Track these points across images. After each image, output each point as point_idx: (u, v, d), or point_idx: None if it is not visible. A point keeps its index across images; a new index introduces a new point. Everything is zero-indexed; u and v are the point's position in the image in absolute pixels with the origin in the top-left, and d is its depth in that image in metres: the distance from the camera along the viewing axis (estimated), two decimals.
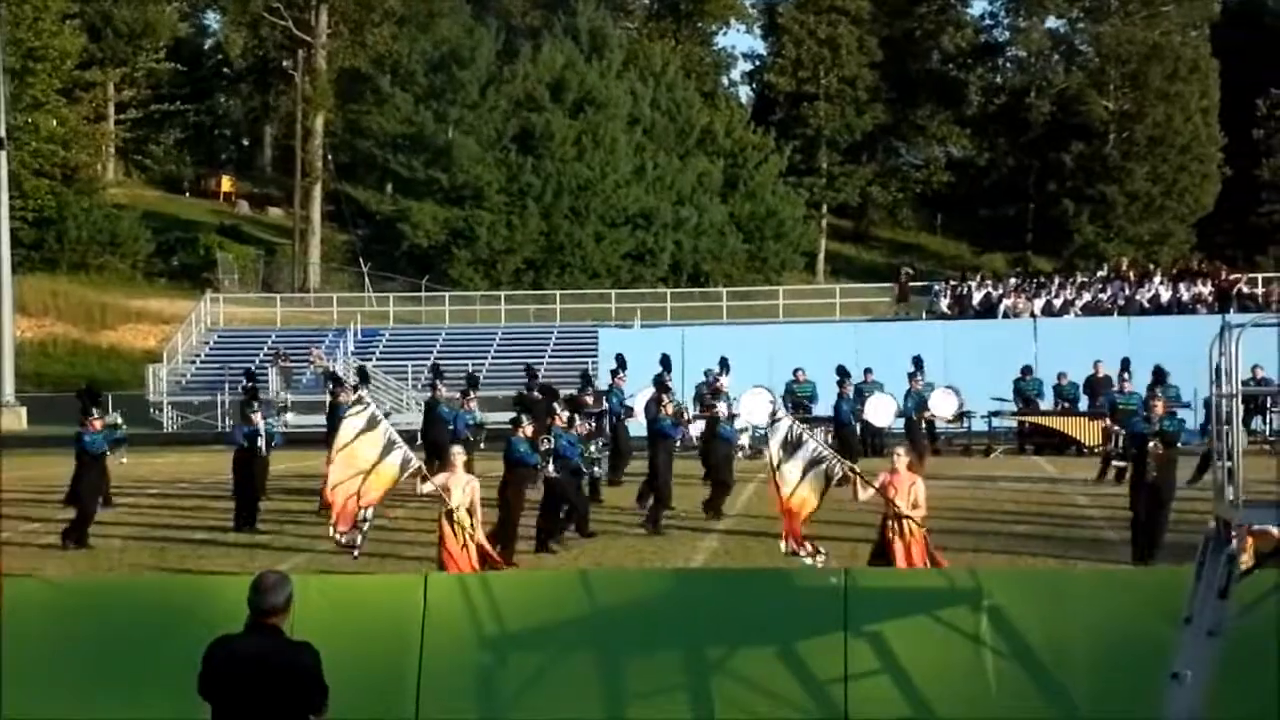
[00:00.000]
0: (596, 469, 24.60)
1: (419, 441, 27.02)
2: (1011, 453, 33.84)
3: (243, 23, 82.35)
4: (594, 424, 25.81)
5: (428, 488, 16.67)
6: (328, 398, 29.26)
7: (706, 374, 29.85)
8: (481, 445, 27.43)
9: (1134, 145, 75.57)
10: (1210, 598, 9.38)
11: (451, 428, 25.99)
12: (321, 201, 73.50)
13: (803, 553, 15.59)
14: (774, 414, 16.51)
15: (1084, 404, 33.87)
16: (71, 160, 69.01)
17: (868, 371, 32.81)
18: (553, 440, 20.16)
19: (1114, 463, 26.20)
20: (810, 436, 16.10)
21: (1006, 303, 46.43)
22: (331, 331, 53.47)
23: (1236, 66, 74.26)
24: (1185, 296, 45.68)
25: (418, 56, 72.79)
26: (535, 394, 26.33)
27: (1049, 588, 12.79)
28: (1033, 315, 44.13)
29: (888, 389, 31.77)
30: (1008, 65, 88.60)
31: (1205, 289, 46.00)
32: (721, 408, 25.40)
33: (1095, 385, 33.85)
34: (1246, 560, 12.45)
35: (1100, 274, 51.13)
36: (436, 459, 27.23)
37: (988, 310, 46.63)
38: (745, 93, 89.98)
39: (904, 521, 15.63)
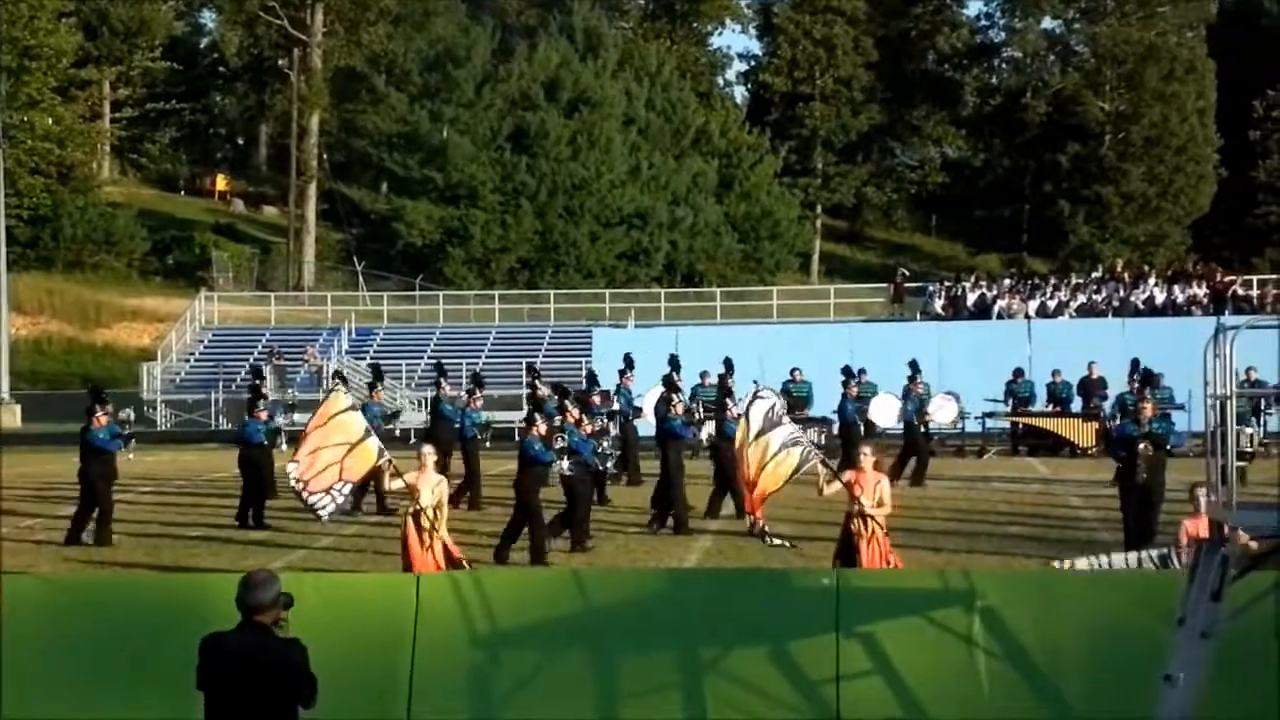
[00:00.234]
0: (610, 464, 24.81)
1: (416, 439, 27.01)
2: (1005, 454, 33.88)
3: (238, 21, 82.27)
4: (605, 422, 25.95)
5: (397, 484, 16.63)
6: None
7: (702, 375, 29.90)
8: (487, 444, 27.48)
9: (1130, 146, 75.57)
10: (1203, 599, 9.39)
11: (459, 426, 26.03)
12: (316, 200, 73.46)
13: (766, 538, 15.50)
14: (758, 393, 16.42)
15: (1078, 405, 33.91)
16: (67, 158, 68.90)
17: (861, 372, 32.75)
18: (567, 437, 20.21)
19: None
20: (788, 421, 16.12)
21: (1001, 304, 46.45)
22: (326, 330, 53.44)
23: (1233, 67, 74.25)
24: (1180, 298, 45.71)
25: (413, 55, 72.77)
26: (542, 392, 26.46)
27: (1042, 588, 12.80)
28: (1027, 316, 44.16)
29: (882, 390, 31.76)
30: (1003, 66, 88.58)
31: (1200, 291, 46.03)
32: (733, 409, 25.49)
33: (1089, 386, 33.88)
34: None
35: (1095, 275, 51.15)
36: (443, 457, 27.37)
37: (982, 311, 46.63)
38: (740, 93, 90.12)
39: (869, 520, 15.66)
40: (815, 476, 15.97)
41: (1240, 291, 47.33)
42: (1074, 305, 46.14)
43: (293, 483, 16.49)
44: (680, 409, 23.71)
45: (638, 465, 28.18)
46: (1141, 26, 77.40)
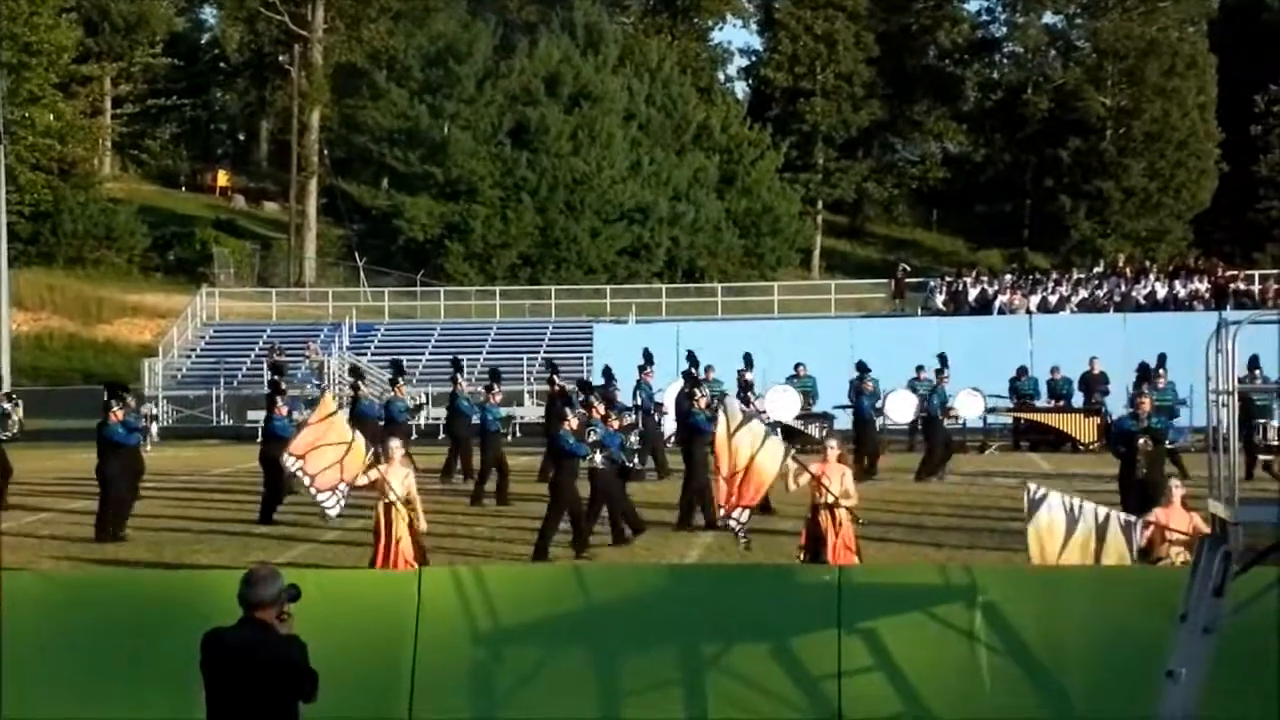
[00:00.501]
0: (636, 460, 24.97)
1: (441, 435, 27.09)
2: (1007, 449, 33.87)
3: (239, 17, 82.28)
4: (633, 417, 26.02)
5: (363, 480, 16.91)
6: (350, 391, 29.46)
7: (706, 370, 29.89)
8: (509, 438, 27.49)
9: (1131, 141, 75.53)
10: (1206, 595, 9.38)
11: (478, 422, 26.06)
12: (317, 196, 73.41)
13: (735, 524, 15.40)
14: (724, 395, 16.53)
15: (1079, 400, 33.91)
16: (68, 154, 68.90)
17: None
18: (597, 432, 20.27)
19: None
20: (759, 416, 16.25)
21: (1002, 299, 46.46)
22: (327, 326, 53.39)
23: (1234, 62, 74.20)
24: (1182, 293, 45.73)
25: (414, 51, 72.73)
26: (560, 387, 26.56)
27: (1044, 585, 12.77)
28: (1028, 312, 44.15)
29: (881, 385, 31.72)
30: (1005, 61, 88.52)
31: (1202, 285, 46.04)
32: (755, 402, 25.57)
33: (1091, 382, 33.88)
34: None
35: (1097, 270, 51.14)
36: (461, 453, 27.44)
37: (983, 307, 46.65)
38: (741, 88, 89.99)
39: (836, 513, 15.69)
40: (786, 470, 15.97)
41: (1242, 286, 47.34)
42: (1075, 300, 46.16)
43: (301, 476, 16.95)
44: (704, 403, 23.64)
45: (665, 461, 28.16)
46: (1143, 21, 77.38)
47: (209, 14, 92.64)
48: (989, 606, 12.11)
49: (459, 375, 28.36)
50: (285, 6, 74.39)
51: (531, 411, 41.37)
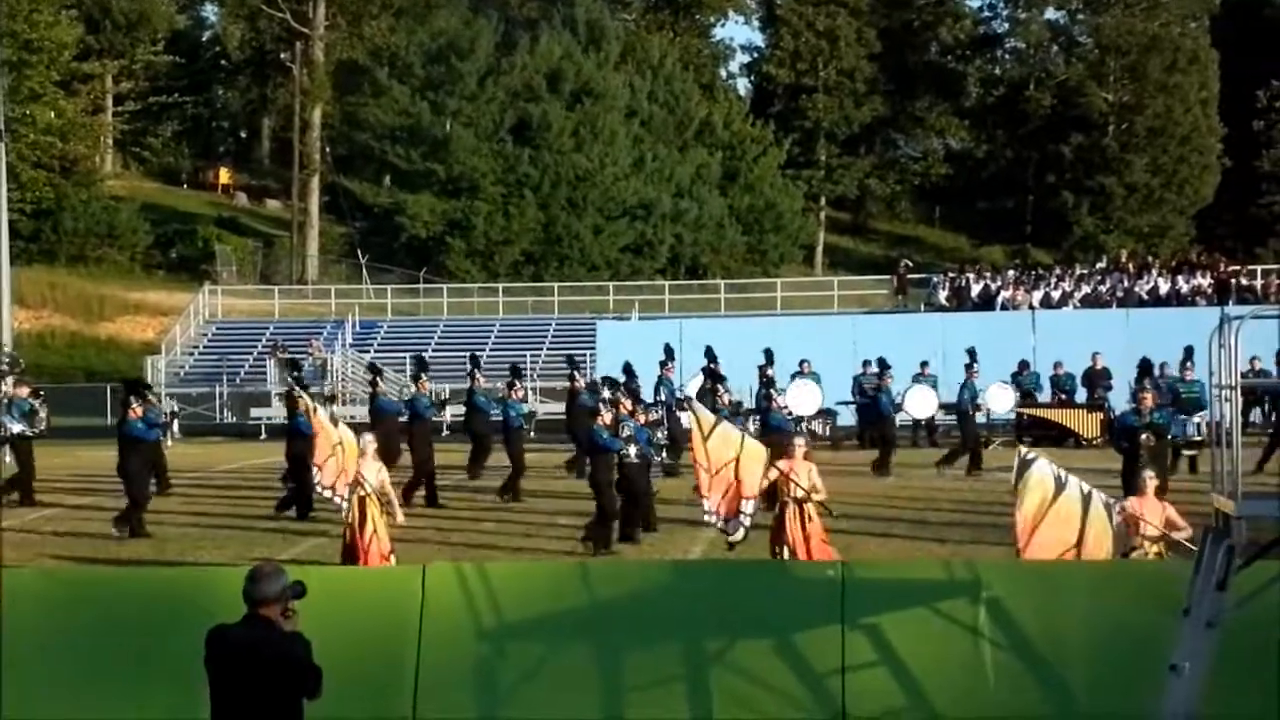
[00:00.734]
0: (665, 454, 25.20)
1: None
2: (1010, 445, 33.81)
3: (240, 15, 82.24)
4: (660, 412, 26.05)
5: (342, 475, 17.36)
6: (369, 388, 29.45)
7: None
8: (532, 434, 27.42)
9: (1133, 137, 75.49)
10: (1209, 589, 9.39)
11: (502, 418, 26.01)
12: (319, 193, 73.41)
13: (724, 523, 15.46)
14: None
15: (1082, 395, 33.91)
16: (69, 152, 68.84)
17: (866, 364, 32.81)
18: (630, 427, 20.32)
19: (1183, 452, 26.10)
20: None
21: (1005, 295, 46.44)
22: (329, 323, 53.40)
23: (1236, 58, 74.18)
24: (1184, 288, 45.70)
25: (415, 48, 72.67)
26: (579, 384, 26.54)
27: (1047, 580, 12.77)
28: (1031, 307, 44.13)
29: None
30: (1007, 57, 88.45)
31: (1204, 281, 46.02)
32: (778, 399, 25.55)
33: (1094, 377, 33.89)
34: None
35: (1099, 266, 51.12)
36: (480, 450, 27.38)
37: (986, 302, 46.63)
38: (744, 85, 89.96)
39: (804, 509, 15.74)
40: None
41: (1244, 281, 47.33)
42: (1078, 296, 46.14)
43: (323, 491, 17.57)
44: (726, 399, 23.59)
45: (680, 453, 28.10)
46: (1145, 17, 77.33)
47: (210, 11, 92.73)
48: (992, 602, 12.12)
49: (476, 371, 28.20)
50: (287, 4, 74.41)
51: (534, 408, 41.35)
